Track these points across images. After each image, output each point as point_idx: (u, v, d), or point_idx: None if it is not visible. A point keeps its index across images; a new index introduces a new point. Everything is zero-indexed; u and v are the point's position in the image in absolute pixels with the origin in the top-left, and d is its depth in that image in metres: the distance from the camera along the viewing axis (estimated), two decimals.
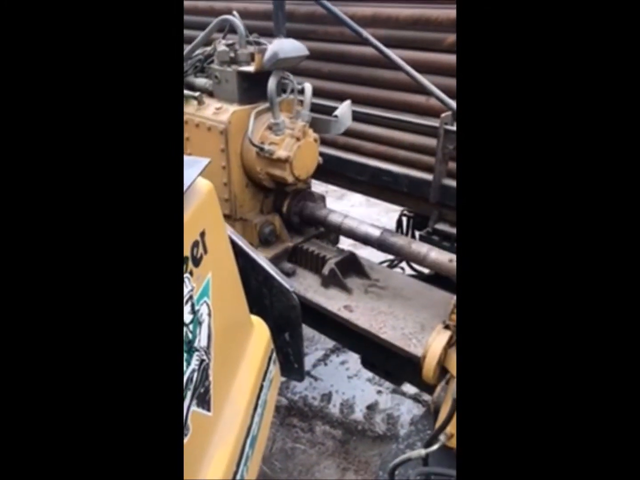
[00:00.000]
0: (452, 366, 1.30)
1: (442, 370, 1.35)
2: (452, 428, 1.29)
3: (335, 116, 1.93)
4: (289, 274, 1.96)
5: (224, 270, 1.16)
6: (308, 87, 1.88)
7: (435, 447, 1.29)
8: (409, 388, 2.59)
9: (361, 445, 2.30)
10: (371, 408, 2.51)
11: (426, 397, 2.49)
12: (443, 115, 1.80)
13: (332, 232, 2.14)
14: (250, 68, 1.82)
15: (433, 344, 1.31)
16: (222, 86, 1.90)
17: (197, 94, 1.90)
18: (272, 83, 1.74)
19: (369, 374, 2.67)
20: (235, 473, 1.05)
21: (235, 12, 1.96)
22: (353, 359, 2.77)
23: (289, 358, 1.77)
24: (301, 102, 1.89)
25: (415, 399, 2.56)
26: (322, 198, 2.14)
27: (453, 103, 1.82)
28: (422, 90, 1.85)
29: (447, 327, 1.32)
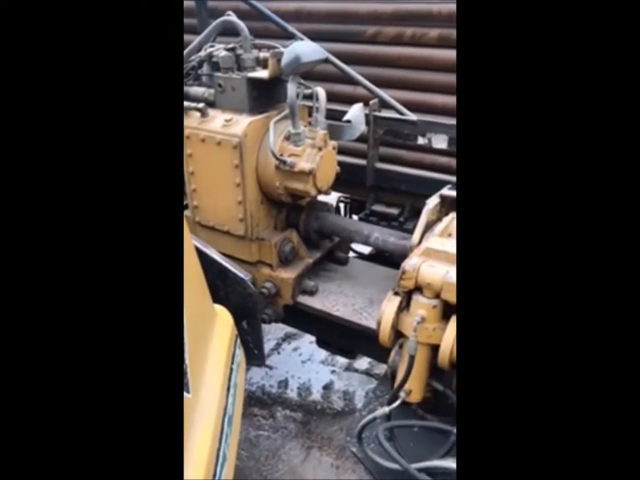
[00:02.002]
0: (405, 329, 1.43)
1: (396, 334, 1.47)
2: (409, 385, 1.42)
3: (348, 121, 1.80)
4: (312, 292, 1.87)
5: (186, 261, 1.20)
6: (321, 91, 1.72)
7: (396, 403, 1.41)
8: (360, 364, 2.72)
9: (322, 423, 2.40)
10: (327, 388, 2.62)
11: (377, 370, 2.64)
12: (371, 102, 1.93)
13: (348, 242, 2.03)
14: (262, 74, 1.66)
15: (386, 309, 1.43)
16: (228, 95, 1.70)
17: (200, 105, 1.69)
18: (291, 90, 1.59)
19: (322, 357, 2.78)
20: (219, 449, 1.10)
21: (230, 12, 1.79)
22: (305, 344, 2.87)
23: (248, 345, 1.82)
24: (314, 109, 1.75)
25: (367, 373, 2.70)
26: (332, 207, 2.02)
27: (379, 91, 1.95)
28: (350, 80, 1.97)
29: (396, 293, 1.44)
